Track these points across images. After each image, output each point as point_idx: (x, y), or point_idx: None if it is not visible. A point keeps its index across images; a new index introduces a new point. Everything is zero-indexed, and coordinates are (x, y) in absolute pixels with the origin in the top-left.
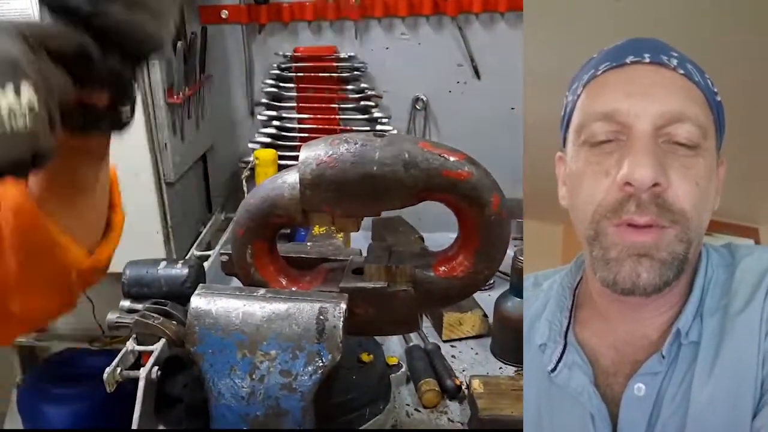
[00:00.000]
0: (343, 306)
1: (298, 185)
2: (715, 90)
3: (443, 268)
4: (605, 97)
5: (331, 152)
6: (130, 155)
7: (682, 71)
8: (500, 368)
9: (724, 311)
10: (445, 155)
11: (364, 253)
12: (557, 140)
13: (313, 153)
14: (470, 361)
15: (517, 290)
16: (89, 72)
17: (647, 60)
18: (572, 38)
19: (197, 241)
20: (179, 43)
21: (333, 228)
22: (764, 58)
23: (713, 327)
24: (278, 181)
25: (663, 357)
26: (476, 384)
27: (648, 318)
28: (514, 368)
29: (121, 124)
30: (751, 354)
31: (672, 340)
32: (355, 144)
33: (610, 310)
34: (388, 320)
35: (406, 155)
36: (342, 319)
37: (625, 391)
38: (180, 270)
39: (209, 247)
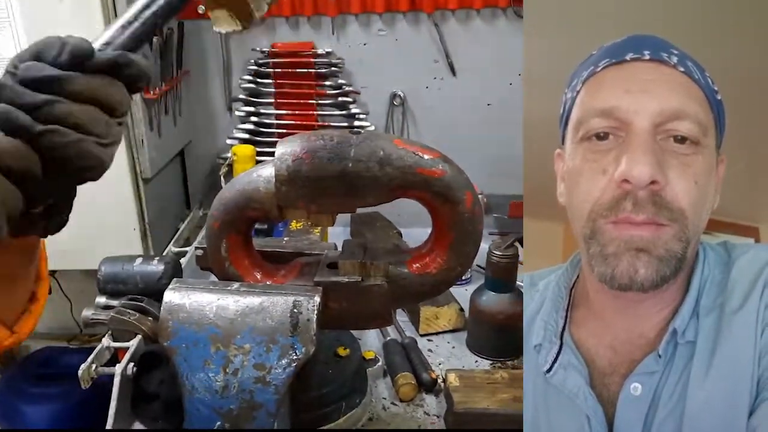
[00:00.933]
0: (317, 299)
1: (274, 179)
2: (715, 88)
3: (417, 264)
4: (604, 93)
5: (307, 148)
6: None
7: (682, 69)
8: (476, 362)
9: (721, 310)
10: (420, 153)
11: (340, 248)
12: (556, 139)
13: (289, 149)
14: (446, 355)
15: (492, 284)
16: (33, 188)
17: (647, 57)
18: (572, 38)
19: (175, 237)
20: (155, 39)
21: (310, 223)
22: (766, 55)
23: (709, 326)
24: (254, 175)
25: (659, 356)
26: (452, 378)
27: (645, 316)
28: (490, 362)
29: (57, 228)
30: (748, 353)
31: (668, 339)
32: (331, 140)
33: (607, 309)
34: (362, 314)
35: (381, 152)
36: (316, 312)
37: (621, 390)
38: (156, 266)
39: (187, 243)
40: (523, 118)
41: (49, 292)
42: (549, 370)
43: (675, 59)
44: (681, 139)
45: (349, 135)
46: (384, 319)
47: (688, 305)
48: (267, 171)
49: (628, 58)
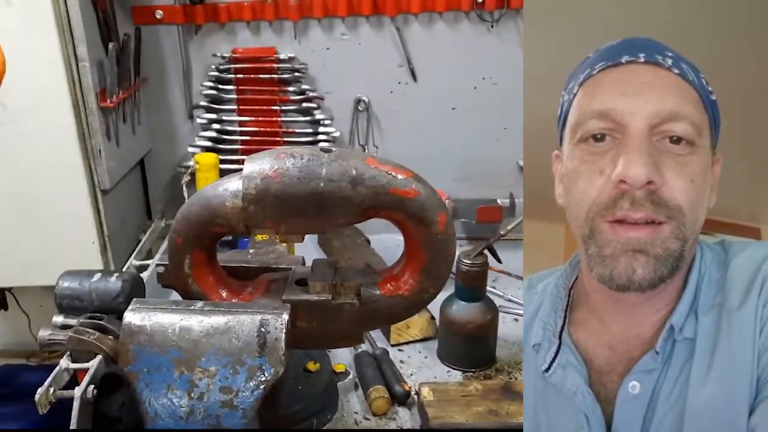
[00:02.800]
0: (285, 317)
1: (241, 194)
2: (710, 89)
3: (389, 285)
4: (601, 96)
5: (276, 166)
6: (61, 163)
7: (676, 71)
8: (448, 372)
9: (720, 308)
10: (393, 173)
11: (308, 261)
12: (556, 139)
13: (258, 167)
14: (418, 365)
15: (462, 293)
16: None
17: (642, 60)
18: (571, 39)
19: (136, 250)
20: (111, 45)
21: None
22: (765, 56)
23: (709, 324)
24: (219, 189)
25: (657, 353)
26: (426, 392)
27: (643, 315)
28: (461, 373)
29: None
30: (747, 351)
31: (666, 336)
32: (302, 159)
33: (605, 308)
34: (332, 333)
35: (354, 171)
36: (284, 330)
37: (619, 389)
38: (113, 284)
39: (149, 256)
40: (523, 120)
41: (6, 308)
42: (548, 370)
43: (670, 61)
44: (676, 140)
45: (320, 153)
46: (354, 338)
47: (685, 302)
48: (233, 185)
49: (623, 60)
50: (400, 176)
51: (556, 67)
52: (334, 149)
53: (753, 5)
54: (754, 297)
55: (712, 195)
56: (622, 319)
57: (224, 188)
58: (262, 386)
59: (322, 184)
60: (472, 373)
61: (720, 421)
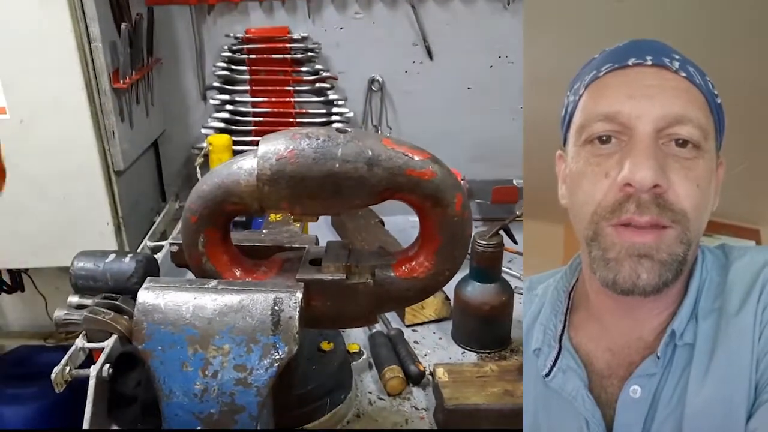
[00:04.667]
0: (299, 295)
1: (255, 172)
2: (716, 92)
3: (404, 267)
4: (607, 98)
5: (291, 147)
6: (75, 144)
7: (683, 74)
8: (462, 353)
9: (719, 313)
10: (409, 154)
11: (321, 241)
12: (557, 140)
13: (273, 147)
14: (432, 345)
15: (476, 274)
16: None
17: (649, 62)
18: (572, 39)
19: (150, 231)
20: (123, 25)
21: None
22: (765, 57)
23: (708, 328)
24: (233, 167)
25: (658, 358)
26: (440, 373)
27: (643, 319)
28: (476, 354)
29: None
30: (745, 357)
31: (667, 341)
32: (317, 139)
33: (606, 311)
34: (346, 313)
35: (370, 152)
36: (298, 309)
37: (620, 393)
38: (127, 264)
39: (163, 237)
40: (523, 120)
41: (23, 290)
42: (548, 374)
43: (677, 64)
44: (683, 143)
45: (335, 133)
46: (368, 319)
47: (686, 308)
48: (248, 163)
49: (630, 63)
50: (416, 157)
51: (556, 69)
52: (349, 130)
53: (753, 5)
54: (753, 302)
55: (716, 198)
56: (622, 323)
57: (238, 166)
58: (276, 364)
59: (337, 165)
60: (486, 354)
61: (718, 423)
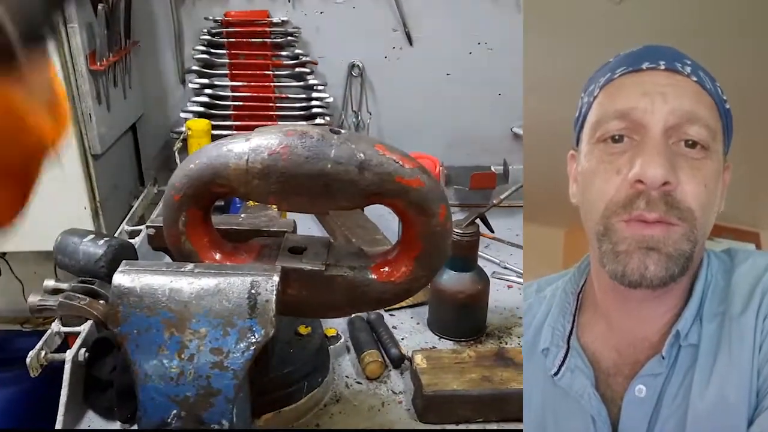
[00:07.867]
0: (276, 279)
1: (245, 157)
2: (725, 98)
3: (382, 270)
4: (622, 97)
5: (285, 143)
6: None
7: (694, 78)
8: (439, 339)
9: (723, 317)
10: (400, 161)
11: (300, 224)
12: (558, 143)
13: (265, 141)
14: (410, 330)
15: (452, 263)
16: None
17: (662, 67)
18: (572, 41)
19: (128, 216)
20: (100, 6)
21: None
22: (765, 58)
23: (712, 332)
24: (223, 149)
25: (663, 358)
26: (419, 359)
27: (648, 319)
28: (453, 341)
29: None
30: (746, 362)
31: (672, 341)
32: (311, 138)
33: (613, 310)
34: (322, 304)
35: (362, 156)
36: (275, 292)
37: (626, 392)
38: (99, 247)
39: (142, 221)
40: (523, 123)
41: None
42: (557, 373)
43: (688, 69)
44: (692, 144)
45: (329, 134)
46: (344, 310)
47: (691, 309)
48: (238, 146)
49: (644, 67)
50: (406, 166)
51: (556, 71)
52: (342, 131)
53: (753, 6)
54: (753, 309)
55: (722, 201)
56: (628, 322)
57: (228, 149)
58: (252, 347)
59: (329, 166)
60: (463, 342)
61: (720, 426)
